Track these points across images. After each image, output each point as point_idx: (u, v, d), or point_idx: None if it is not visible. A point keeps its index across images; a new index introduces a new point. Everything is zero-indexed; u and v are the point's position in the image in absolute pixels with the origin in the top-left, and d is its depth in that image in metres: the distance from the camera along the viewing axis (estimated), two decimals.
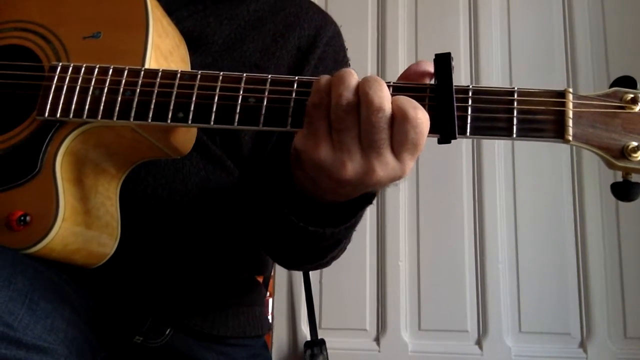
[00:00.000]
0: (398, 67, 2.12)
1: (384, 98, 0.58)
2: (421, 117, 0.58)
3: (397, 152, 0.60)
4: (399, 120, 0.58)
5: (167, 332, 0.89)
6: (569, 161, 2.01)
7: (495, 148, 2.04)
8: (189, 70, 0.76)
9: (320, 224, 0.72)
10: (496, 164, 2.03)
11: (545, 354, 1.91)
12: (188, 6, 0.94)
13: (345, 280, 2.01)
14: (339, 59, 1.02)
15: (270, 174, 0.78)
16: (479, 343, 1.95)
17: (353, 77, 0.60)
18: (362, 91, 0.59)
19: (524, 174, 2.03)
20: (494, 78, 2.07)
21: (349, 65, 1.04)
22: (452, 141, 0.62)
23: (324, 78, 0.62)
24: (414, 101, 0.59)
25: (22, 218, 0.67)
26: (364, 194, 0.69)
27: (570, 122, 0.60)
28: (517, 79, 2.07)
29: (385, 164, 0.60)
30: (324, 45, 0.98)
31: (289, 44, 0.96)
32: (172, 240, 0.87)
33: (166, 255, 0.88)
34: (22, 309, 0.63)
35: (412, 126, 0.58)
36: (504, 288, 1.96)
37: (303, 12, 1.01)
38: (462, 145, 2.05)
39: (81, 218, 0.71)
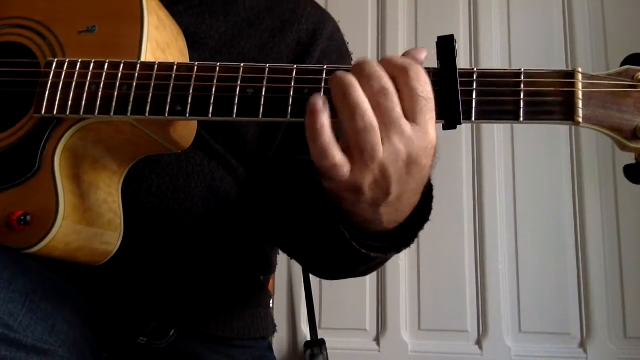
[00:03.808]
0: None
1: (383, 78, 0.57)
2: (416, 65, 0.57)
3: (412, 117, 0.58)
4: (403, 81, 0.57)
5: (171, 333, 0.88)
6: (569, 161, 2.01)
7: (495, 147, 2.04)
8: (187, 62, 0.75)
9: (382, 249, 0.70)
10: (496, 163, 2.03)
11: (545, 354, 1.90)
12: (183, 2, 0.93)
13: (345, 280, 2.00)
14: (342, 54, 1.01)
15: (319, 205, 0.74)
16: (479, 343, 1.95)
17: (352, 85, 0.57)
18: (362, 79, 0.57)
19: (523, 174, 2.02)
20: None
21: (352, 59, 1.03)
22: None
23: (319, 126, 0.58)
24: (405, 58, 0.58)
25: (23, 217, 0.65)
26: (421, 209, 0.67)
27: (580, 104, 0.58)
28: None
29: (408, 137, 0.57)
30: (327, 40, 0.97)
31: (288, 39, 0.95)
32: (177, 240, 0.86)
33: (171, 255, 0.87)
34: (23, 310, 0.62)
35: (419, 82, 0.57)
36: (504, 288, 1.96)
37: (300, 9, 0.99)
38: (462, 144, 2.05)
39: (82, 216, 0.70)
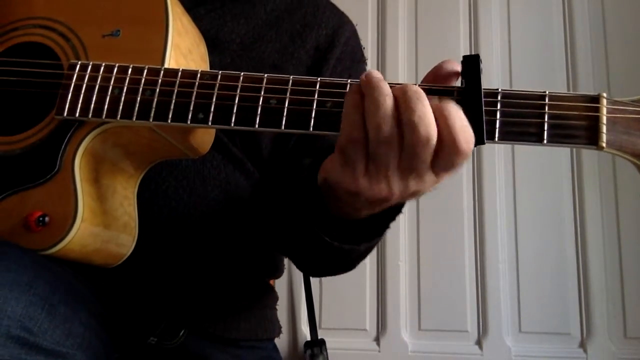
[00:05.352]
0: (398, 67, 2.11)
1: (431, 127, 0.54)
2: (470, 147, 0.55)
3: (437, 173, 0.58)
4: (447, 149, 0.55)
5: (181, 334, 0.89)
6: (569, 161, 2.01)
7: (496, 148, 2.04)
8: (209, 69, 0.75)
9: (354, 241, 0.71)
10: (496, 163, 2.03)
11: (545, 354, 1.90)
12: (205, 4, 0.93)
13: (345, 280, 1.99)
14: (356, 59, 1.01)
15: (299, 192, 0.75)
16: (479, 343, 1.95)
17: (386, 101, 0.55)
18: (406, 119, 0.55)
19: (524, 174, 2.02)
20: (493, 78, 2.06)
21: (366, 64, 1.04)
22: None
23: (354, 107, 0.57)
24: (467, 128, 0.55)
25: (41, 219, 0.65)
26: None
27: (604, 129, 0.58)
28: (517, 79, 2.07)
29: (424, 182, 0.58)
30: (343, 45, 0.98)
31: (307, 44, 0.96)
32: (189, 243, 0.87)
33: (183, 258, 0.87)
34: (42, 313, 0.62)
35: (462, 158, 0.55)
36: (504, 288, 1.96)
37: (320, 12, 1.00)
38: None
39: (99, 218, 0.70)
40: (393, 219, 0.71)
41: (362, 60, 1.04)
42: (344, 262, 0.81)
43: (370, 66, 2.14)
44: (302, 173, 0.83)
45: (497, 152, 2.04)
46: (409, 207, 2.03)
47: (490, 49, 2.10)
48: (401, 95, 0.56)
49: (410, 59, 2.13)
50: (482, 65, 0.60)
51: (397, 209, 0.69)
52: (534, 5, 2.13)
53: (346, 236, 0.71)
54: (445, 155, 0.56)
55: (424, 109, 0.55)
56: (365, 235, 0.72)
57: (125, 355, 0.87)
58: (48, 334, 0.62)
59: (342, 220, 0.69)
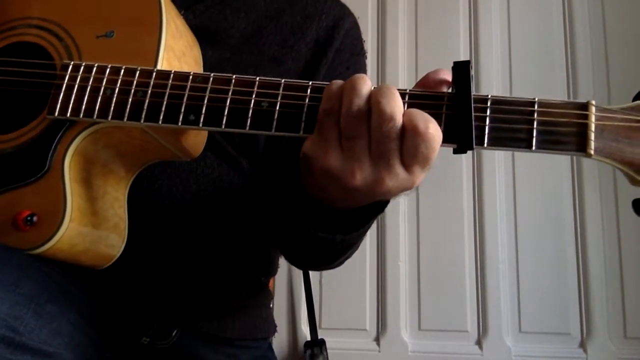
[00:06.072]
0: (398, 67, 2.11)
1: (396, 107, 0.58)
2: (432, 132, 0.57)
3: (406, 165, 0.59)
4: (409, 133, 0.57)
5: (174, 334, 0.89)
6: (569, 161, 2.01)
7: None
8: (202, 72, 0.76)
9: (330, 230, 0.72)
10: (496, 164, 2.03)
11: (545, 354, 1.90)
12: (204, 1, 0.93)
13: (345, 280, 2.01)
14: (355, 51, 1.00)
15: (281, 177, 0.77)
16: (479, 343, 1.95)
17: (366, 84, 0.60)
18: (374, 99, 0.58)
19: (524, 174, 2.02)
20: (493, 78, 2.07)
21: (366, 57, 1.04)
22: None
23: (336, 84, 0.61)
24: (426, 115, 0.58)
25: (29, 218, 0.66)
26: (376, 202, 0.68)
27: (593, 136, 0.58)
28: (517, 79, 2.07)
29: (395, 174, 0.59)
30: (342, 37, 0.97)
31: (307, 37, 0.95)
32: (182, 241, 0.87)
33: (175, 256, 0.87)
34: (28, 313, 0.62)
35: (423, 140, 0.57)
36: (504, 288, 1.96)
37: (321, 2, 0.99)
38: None
39: (89, 219, 0.70)
40: (374, 216, 0.71)
41: (361, 53, 1.03)
42: (323, 253, 0.81)
43: (370, 66, 2.14)
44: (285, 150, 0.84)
45: (497, 152, 2.03)
46: (409, 208, 2.06)
47: (490, 49, 2.10)
48: (377, 87, 0.60)
49: (410, 59, 2.13)
50: (472, 72, 0.61)
51: (378, 208, 0.70)
52: (534, 5, 2.12)
53: (322, 224, 0.71)
54: (408, 140, 0.58)
55: (393, 96, 0.58)
56: (342, 228, 0.72)
57: (118, 355, 0.87)
58: (34, 334, 0.61)
59: (320, 205, 0.69)
